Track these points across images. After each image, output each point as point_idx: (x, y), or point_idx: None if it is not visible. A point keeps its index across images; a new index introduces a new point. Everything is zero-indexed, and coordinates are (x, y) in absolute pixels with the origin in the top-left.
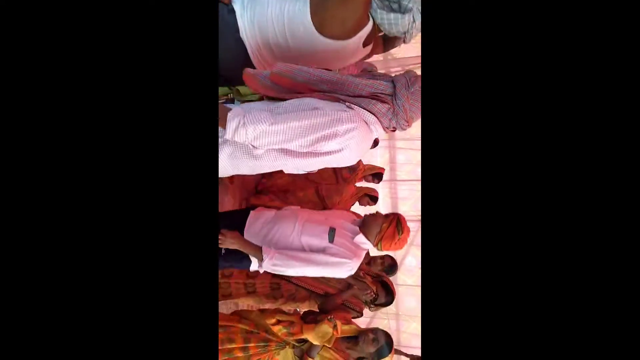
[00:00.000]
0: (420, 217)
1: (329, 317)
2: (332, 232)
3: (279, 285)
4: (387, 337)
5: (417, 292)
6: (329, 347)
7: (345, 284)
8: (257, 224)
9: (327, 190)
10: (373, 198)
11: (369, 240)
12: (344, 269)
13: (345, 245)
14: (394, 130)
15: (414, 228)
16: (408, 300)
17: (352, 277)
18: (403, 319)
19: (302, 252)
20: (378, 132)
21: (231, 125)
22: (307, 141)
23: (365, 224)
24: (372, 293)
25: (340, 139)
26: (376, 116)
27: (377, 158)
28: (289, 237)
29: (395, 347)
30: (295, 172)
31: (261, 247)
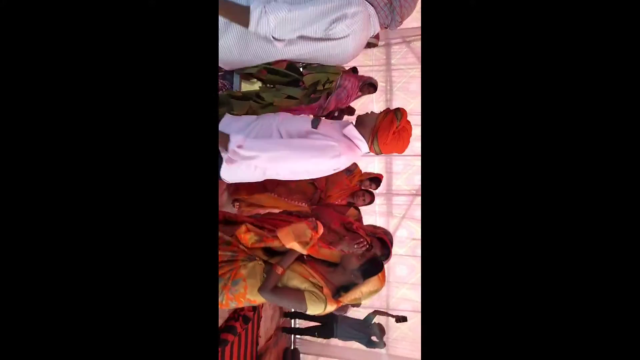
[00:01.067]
0: (412, 191)
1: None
2: (316, 120)
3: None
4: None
5: (407, 261)
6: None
7: (336, 236)
8: (234, 126)
9: (320, 182)
10: (375, 180)
11: (364, 138)
12: (329, 154)
13: (332, 133)
14: (386, 28)
15: (407, 201)
16: (399, 268)
17: (344, 227)
18: (393, 285)
19: (281, 139)
20: (375, 26)
21: (254, 15)
22: (322, 25)
23: (359, 121)
24: (366, 244)
25: (349, 20)
26: (375, 9)
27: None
28: (269, 129)
29: (384, 310)
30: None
31: (228, 135)
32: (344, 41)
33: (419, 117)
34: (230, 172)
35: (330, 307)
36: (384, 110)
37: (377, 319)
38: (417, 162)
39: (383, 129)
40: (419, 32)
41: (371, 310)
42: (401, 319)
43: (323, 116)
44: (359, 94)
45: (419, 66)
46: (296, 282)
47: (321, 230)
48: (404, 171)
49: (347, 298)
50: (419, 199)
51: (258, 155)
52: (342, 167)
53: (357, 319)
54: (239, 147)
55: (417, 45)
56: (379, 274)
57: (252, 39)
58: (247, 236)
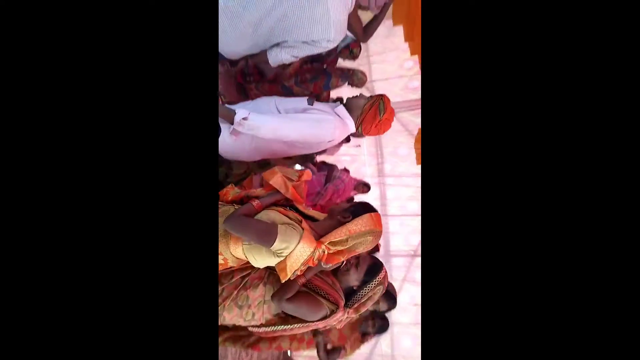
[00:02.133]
0: (410, 252)
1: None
2: (311, 99)
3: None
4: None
5: (412, 331)
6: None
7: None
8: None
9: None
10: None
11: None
12: (326, 126)
13: (326, 109)
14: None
15: (406, 263)
16: (404, 340)
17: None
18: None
19: (282, 114)
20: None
21: (236, 118)
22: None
23: (348, 105)
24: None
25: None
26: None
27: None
28: (268, 107)
29: None
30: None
31: (234, 109)
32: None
33: (411, 179)
34: (229, 147)
35: (306, 247)
36: (370, 100)
37: None
38: (413, 222)
39: (367, 121)
40: (405, 105)
41: None
42: None
43: (319, 205)
44: (354, 192)
45: (407, 133)
46: (272, 216)
47: (309, 176)
48: (400, 231)
49: (331, 237)
50: (418, 260)
51: (261, 126)
52: (336, 141)
53: None
54: (244, 119)
55: (403, 116)
56: (372, 214)
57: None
58: (229, 192)
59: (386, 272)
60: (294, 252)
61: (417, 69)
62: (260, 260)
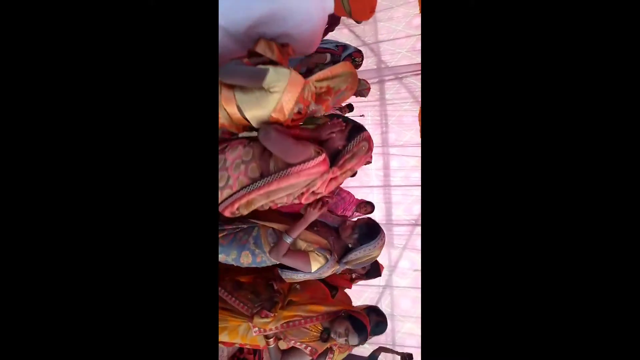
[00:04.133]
0: (412, 221)
1: None
2: None
3: None
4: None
5: (411, 293)
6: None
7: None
8: None
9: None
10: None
11: None
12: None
13: None
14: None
15: (407, 231)
16: (403, 301)
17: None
18: (398, 319)
19: None
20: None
21: None
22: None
23: None
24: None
25: None
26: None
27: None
28: None
29: (389, 346)
30: None
31: None
32: None
33: (415, 149)
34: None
35: (298, 77)
36: None
37: (383, 357)
38: (416, 192)
39: None
40: (411, 69)
41: (376, 347)
42: (407, 357)
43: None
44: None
45: (412, 100)
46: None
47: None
48: (402, 201)
49: (316, 77)
50: (419, 229)
51: None
52: (315, 20)
53: (361, 356)
54: None
55: (410, 81)
56: (348, 62)
57: None
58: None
59: (370, 137)
60: (288, 85)
61: None
62: (255, 104)
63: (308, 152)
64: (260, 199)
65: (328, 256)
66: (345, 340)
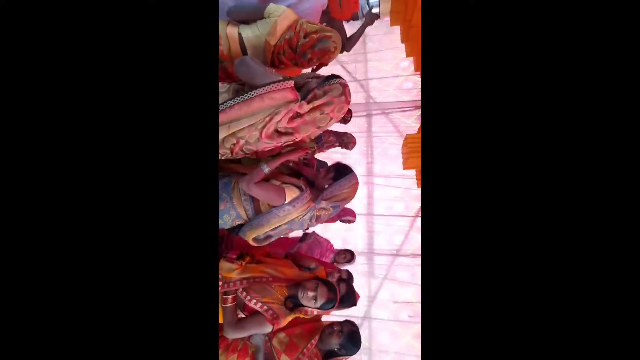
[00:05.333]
0: (394, 251)
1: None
2: None
3: None
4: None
5: (390, 326)
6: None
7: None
8: None
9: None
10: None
11: None
12: None
13: None
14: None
15: (388, 262)
16: (381, 335)
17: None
18: (375, 354)
19: None
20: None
21: None
22: None
23: None
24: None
25: None
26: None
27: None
28: None
29: None
30: None
31: None
32: None
33: (399, 180)
34: None
35: (290, 12)
36: None
37: None
38: (398, 222)
39: None
40: (397, 106)
41: None
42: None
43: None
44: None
45: (397, 134)
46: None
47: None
48: (384, 231)
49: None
50: (400, 260)
51: None
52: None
53: None
54: None
55: (395, 116)
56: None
57: None
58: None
59: (347, 85)
60: (284, 12)
61: (412, 69)
62: (254, 29)
63: (275, 77)
64: (222, 131)
65: (303, 187)
66: (314, 298)
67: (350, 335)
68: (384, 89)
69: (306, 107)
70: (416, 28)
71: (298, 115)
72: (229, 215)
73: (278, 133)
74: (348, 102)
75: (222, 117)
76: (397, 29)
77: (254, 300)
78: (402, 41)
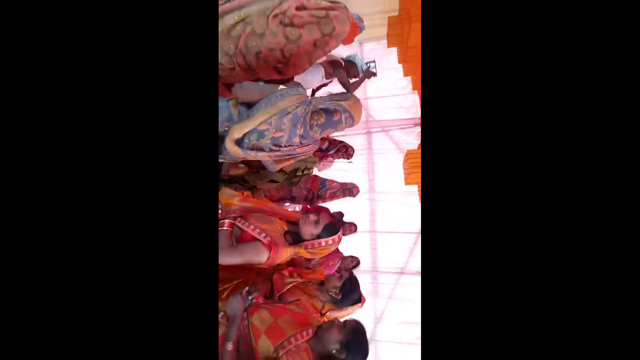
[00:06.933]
0: (398, 269)
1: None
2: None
3: None
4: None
5: (397, 349)
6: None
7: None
8: None
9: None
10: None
11: None
12: None
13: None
14: None
15: (392, 280)
16: (387, 358)
17: None
18: None
19: None
20: None
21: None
22: None
23: None
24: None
25: None
26: None
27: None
28: None
29: None
30: None
31: None
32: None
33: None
34: None
35: None
36: None
37: None
38: (400, 238)
39: None
40: (396, 123)
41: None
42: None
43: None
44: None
45: (397, 150)
46: None
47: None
48: (388, 248)
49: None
50: (404, 278)
51: None
52: None
53: None
54: None
55: (395, 134)
56: None
57: None
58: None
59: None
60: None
61: (410, 88)
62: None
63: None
64: (231, 18)
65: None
66: (316, 222)
67: (355, 334)
68: (383, 107)
69: (313, 1)
70: (413, 49)
71: (304, 7)
72: None
73: (283, 26)
74: (352, 23)
75: (232, 3)
76: (394, 50)
77: (252, 226)
78: (400, 62)
